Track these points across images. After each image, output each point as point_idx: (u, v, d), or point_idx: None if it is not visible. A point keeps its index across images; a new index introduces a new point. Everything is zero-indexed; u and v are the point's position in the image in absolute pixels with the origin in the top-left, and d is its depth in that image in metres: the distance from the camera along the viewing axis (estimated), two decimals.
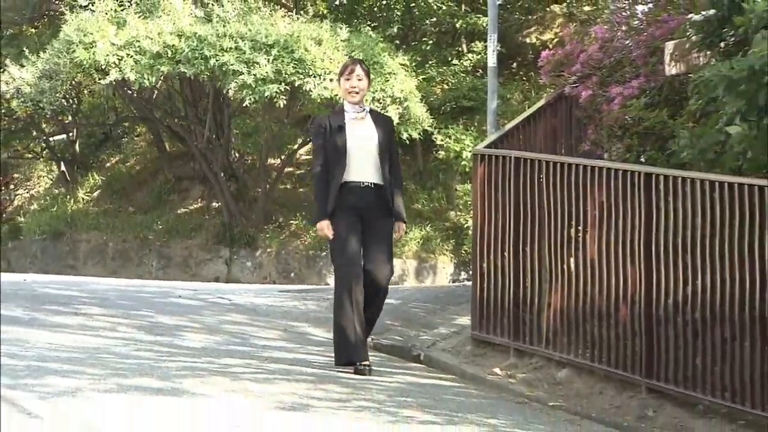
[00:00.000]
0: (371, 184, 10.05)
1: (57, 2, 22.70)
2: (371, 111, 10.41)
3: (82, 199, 24.97)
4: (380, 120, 10.43)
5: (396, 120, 19.94)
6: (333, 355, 10.95)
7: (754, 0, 9.53)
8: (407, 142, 20.75)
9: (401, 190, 10.59)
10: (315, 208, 10.56)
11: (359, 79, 10.18)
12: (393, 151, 10.42)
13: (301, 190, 23.28)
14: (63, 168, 25.63)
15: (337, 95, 19.51)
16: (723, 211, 9.22)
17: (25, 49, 22.03)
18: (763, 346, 8.87)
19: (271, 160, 22.93)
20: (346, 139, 10.02)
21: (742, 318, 9.03)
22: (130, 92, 21.05)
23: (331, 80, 19.58)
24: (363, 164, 10.06)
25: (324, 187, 10.11)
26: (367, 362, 10.32)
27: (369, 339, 12.95)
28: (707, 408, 9.40)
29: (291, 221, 22.26)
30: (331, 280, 20.79)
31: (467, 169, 19.15)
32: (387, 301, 15.89)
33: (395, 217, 10.25)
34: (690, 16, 11.18)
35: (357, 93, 10.16)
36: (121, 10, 20.48)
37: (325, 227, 10.15)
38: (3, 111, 22.17)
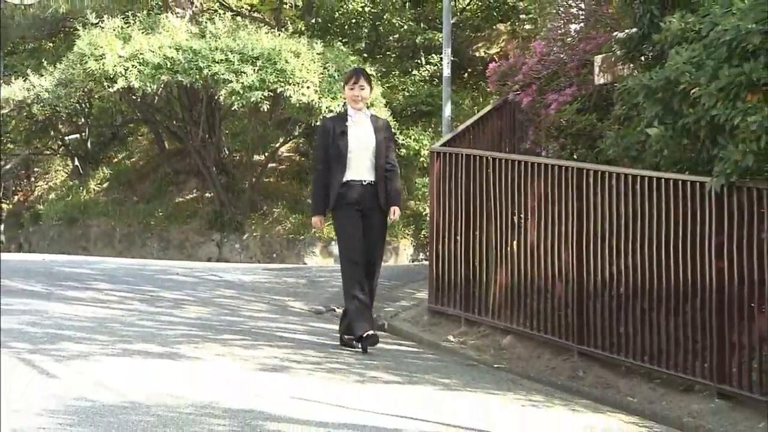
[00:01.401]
0: (370, 182, 9.88)
1: (71, 20, 22.55)
2: (372, 116, 10.24)
3: (93, 190, 24.85)
4: (379, 124, 10.20)
5: None
6: (314, 324, 10.94)
7: (669, 20, 9.57)
8: None
9: (398, 179, 10.29)
10: (312, 205, 10.43)
11: (361, 88, 10.01)
12: (391, 150, 10.20)
13: (283, 182, 23.23)
14: (76, 163, 25.51)
15: (312, 100, 19.51)
16: (643, 201, 9.25)
17: (43, 60, 21.93)
18: (676, 316, 8.92)
19: (256, 157, 22.86)
20: (348, 141, 9.85)
21: (659, 293, 9.08)
22: (134, 98, 20.95)
23: (308, 87, 19.55)
24: (362, 164, 9.88)
25: (321, 187, 9.97)
26: (365, 333, 9.89)
27: (339, 310, 12.97)
28: (629, 369, 9.44)
29: (274, 209, 22.21)
30: (308, 260, 20.84)
31: (425, 165, 19.14)
32: None
33: (392, 202, 10.04)
34: (615, 33, 11.21)
35: (360, 100, 10.01)
36: (127, 27, 20.39)
37: (319, 221, 10.11)
38: (25, 114, 22.03)
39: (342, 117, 10.14)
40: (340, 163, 9.82)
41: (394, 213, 10.13)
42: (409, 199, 21.08)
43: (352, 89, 10.01)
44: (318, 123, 20.20)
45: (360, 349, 9.90)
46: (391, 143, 10.27)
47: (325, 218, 10.29)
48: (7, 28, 24.28)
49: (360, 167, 9.87)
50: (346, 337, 10.18)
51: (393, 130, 20.07)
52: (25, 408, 6.81)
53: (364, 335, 9.79)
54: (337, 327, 10.70)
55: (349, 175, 9.82)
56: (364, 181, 9.87)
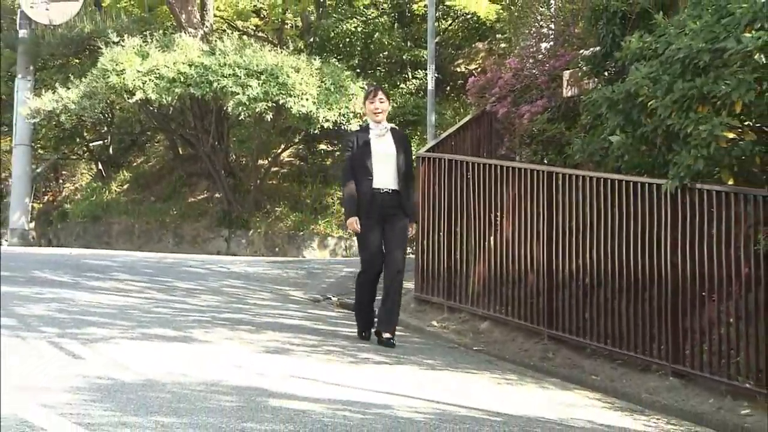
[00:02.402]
0: (391, 190, 9.58)
1: (95, 39, 22.50)
2: (391, 129, 9.90)
3: (115, 190, 24.81)
4: (398, 136, 9.88)
5: (355, 129, 19.93)
6: (312, 310, 10.91)
7: (629, 40, 9.58)
8: None
9: (414, 195, 10.14)
10: (345, 210, 10.15)
11: (381, 102, 9.74)
12: (409, 163, 9.83)
13: (284, 184, 23.20)
14: (100, 167, 25.47)
15: (311, 110, 19.49)
16: (606, 201, 9.27)
17: (70, 75, 21.89)
18: (635, 304, 8.94)
19: (260, 161, 22.82)
20: (371, 153, 9.59)
21: (620, 283, 9.10)
22: (151, 108, 20.91)
23: (307, 99, 19.54)
24: (384, 174, 9.58)
25: (351, 194, 9.60)
26: (370, 331, 9.81)
27: (335, 298, 12.98)
28: (593, 351, 9.46)
29: (276, 208, 22.18)
30: (307, 254, 20.82)
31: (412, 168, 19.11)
32: (350, 269, 15.95)
33: (411, 217, 9.77)
34: (581, 51, 11.23)
35: (380, 113, 9.72)
36: (145, 45, 20.35)
37: (354, 223, 9.64)
38: (54, 123, 22.00)
39: (365, 130, 9.87)
40: (365, 173, 9.55)
41: (412, 229, 9.87)
42: None
43: (372, 103, 9.76)
44: (316, 131, 20.23)
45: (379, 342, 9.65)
46: (409, 153, 9.99)
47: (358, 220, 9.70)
48: (38, 47, 24.24)
49: (383, 176, 9.58)
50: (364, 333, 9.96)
51: None
52: (53, 386, 6.81)
53: (363, 334, 9.78)
54: (332, 314, 10.70)
55: (374, 183, 9.54)
56: (388, 189, 9.58)
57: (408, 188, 9.73)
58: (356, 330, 9.98)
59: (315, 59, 20.67)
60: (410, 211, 9.75)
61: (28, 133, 23.99)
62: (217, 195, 23.03)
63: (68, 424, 5.78)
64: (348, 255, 20.66)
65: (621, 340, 9.08)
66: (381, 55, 23.74)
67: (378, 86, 10.21)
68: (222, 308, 11.52)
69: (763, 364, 7.71)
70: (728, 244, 8.04)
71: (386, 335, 9.55)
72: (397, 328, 9.88)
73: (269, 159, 22.79)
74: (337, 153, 22.93)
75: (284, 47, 22.10)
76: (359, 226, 9.52)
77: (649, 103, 8.71)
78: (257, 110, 19.47)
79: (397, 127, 10.19)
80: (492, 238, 10.92)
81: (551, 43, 12.64)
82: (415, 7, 23.32)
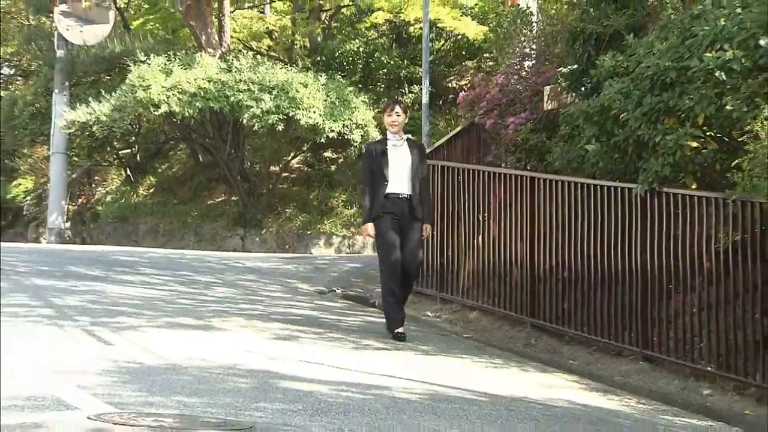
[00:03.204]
0: (406, 195, 9.32)
1: (124, 58, 22.50)
2: (408, 139, 9.59)
3: (141, 194, 24.80)
4: (414, 146, 9.61)
5: (358, 140, 19.94)
6: (318, 302, 10.87)
7: (603, 59, 9.59)
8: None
9: (429, 199, 9.86)
10: (363, 215, 9.85)
11: (398, 115, 9.45)
12: (423, 171, 9.55)
13: (294, 188, 23.17)
14: (128, 172, 25.45)
15: (317, 122, 19.49)
16: (583, 203, 9.28)
17: (102, 90, 21.89)
18: (609, 296, 8.95)
19: (272, 168, 22.80)
20: (388, 161, 9.30)
21: (595, 277, 9.11)
22: (174, 120, 20.88)
23: (314, 112, 19.55)
24: (400, 181, 9.28)
25: (368, 200, 9.39)
26: (402, 331, 9.34)
27: (339, 291, 12.98)
28: (571, 338, 9.47)
29: (286, 210, 22.15)
30: (314, 251, 20.80)
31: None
32: (353, 265, 15.96)
33: (424, 220, 9.43)
34: (560, 69, 11.22)
35: (396, 125, 9.42)
36: (169, 63, 20.34)
37: (368, 229, 9.43)
38: (87, 133, 21.98)
39: (383, 141, 9.63)
40: (382, 180, 9.31)
41: (426, 229, 9.54)
42: None
43: (390, 116, 9.50)
44: (322, 140, 20.21)
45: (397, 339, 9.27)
46: (425, 162, 9.71)
47: (372, 227, 9.49)
48: (73, 65, 24.22)
49: (398, 183, 9.31)
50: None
51: None
52: (87, 369, 6.82)
53: (396, 332, 9.31)
54: (336, 305, 10.68)
55: (390, 189, 9.28)
56: (402, 194, 9.30)
57: (422, 194, 9.47)
58: (387, 327, 9.49)
59: (321, 76, 20.66)
60: (424, 214, 9.46)
61: (64, 142, 23.98)
62: (233, 198, 23.02)
63: (100, 403, 5.79)
64: (351, 252, 20.66)
65: (596, 328, 9.09)
66: (380, 72, 23.72)
67: (396, 100, 9.93)
68: (237, 300, 11.53)
69: (723, 350, 7.72)
70: (692, 243, 8.06)
71: (398, 331, 9.30)
72: (383, 315, 9.81)
73: (280, 165, 22.78)
74: (341, 160, 22.91)
75: (294, 65, 22.13)
76: (374, 232, 9.33)
77: (621, 116, 8.71)
78: (269, 122, 19.47)
79: (413, 138, 9.96)
80: (480, 236, 10.92)
81: (533, 61, 12.63)
82: (411, 29, 23.28)
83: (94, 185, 27.01)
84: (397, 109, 9.51)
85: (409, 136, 9.74)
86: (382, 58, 23.48)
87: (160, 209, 23.56)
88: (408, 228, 9.30)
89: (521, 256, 10.11)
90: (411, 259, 9.31)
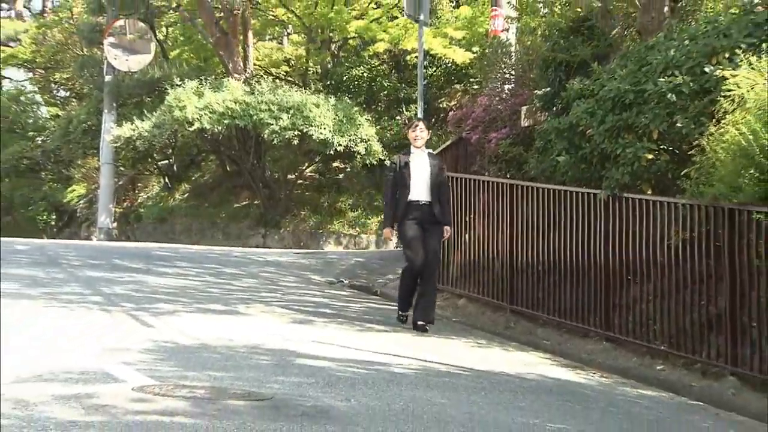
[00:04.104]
0: (427, 202, 8.97)
1: (163, 82, 22.52)
2: (429, 153, 9.31)
3: (177, 198, 24.82)
4: (434, 159, 9.30)
5: (362, 152, 19.95)
6: (329, 290, 10.85)
7: (572, 83, 9.59)
8: (370, 165, 20.73)
9: (449, 204, 9.44)
10: (384, 220, 9.57)
11: (421, 131, 9.16)
12: (443, 180, 9.21)
13: (307, 193, 23.18)
14: (166, 180, 25.49)
15: (327, 137, 19.50)
16: (554, 206, 9.28)
17: (144, 110, 21.94)
18: (577, 285, 8.94)
19: (289, 176, 22.82)
20: (411, 171, 9.01)
21: (565, 269, 9.10)
22: (205, 135, 20.90)
23: (325, 128, 19.55)
24: (420, 188, 8.99)
25: (390, 207, 9.14)
26: (408, 314, 9.08)
27: (347, 281, 12.98)
28: (545, 321, 9.46)
29: (301, 212, 22.15)
30: (325, 248, 20.80)
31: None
32: (358, 259, 15.96)
33: (444, 223, 9.08)
34: (535, 91, 11.22)
35: (419, 140, 9.14)
36: (201, 87, 20.39)
37: (388, 233, 9.26)
38: (131, 147, 22.02)
39: (406, 153, 9.32)
40: (405, 188, 9.05)
41: (446, 232, 9.16)
42: None
43: (414, 131, 9.27)
44: (331, 152, 20.19)
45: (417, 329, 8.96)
46: (443, 173, 9.34)
47: (392, 231, 9.32)
48: (119, 88, 24.27)
49: (419, 190, 9.02)
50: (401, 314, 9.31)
51: (382, 156, 20.21)
52: (131, 347, 6.83)
53: (402, 315, 9.08)
54: (344, 293, 10.68)
55: (411, 196, 9.01)
56: (423, 201, 9.02)
57: (441, 200, 9.11)
58: (397, 312, 9.30)
59: (331, 98, 20.69)
60: (443, 218, 9.10)
61: (111, 154, 24.02)
62: (255, 202, 23.04)
63: (142, 376, 5.79)
64: (357, 248, 20.66)
65: (566, 313, 9.08)
66: (381, 94, 23.71)
67: (420, 119, 9.68)
68: (259, 288, 11.54)
69: (674, 331, 7.73)
70: (647, 240, 8.06)
71: (420, 322, 8.99)
72: (393, 306, 9.83)
73: (295, 174, 22.81)
74: (347, 169, 22.89)
75: (307, 88, 22.13)
76: (394, 236, 9.07)
77: (587, 132, 8.73)
78: (286, 137, 19.51)
79: (433, 152, 9.66)
80: (467, 234, 10.92)
81: (512, 85, 12.62)
82: (408, 57, 23.26)
83: (137, 191, 27.05)
84: (421, 125, 9.32)
85: (430, 150, 9.49)
86: (383, 82, 23.49)
87: (193, 211, 23.59)
88: (429, 230, 9.01)
89: (502, 251, 10.11)
90: (431, 258, 9.02)
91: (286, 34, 27.16)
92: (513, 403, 6.21)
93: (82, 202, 27.29)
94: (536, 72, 11.72)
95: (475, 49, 20.17)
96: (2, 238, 18.26)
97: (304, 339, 7.82)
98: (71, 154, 26.75)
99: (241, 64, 23.33)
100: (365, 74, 23.71)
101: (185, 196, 24.99)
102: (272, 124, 19.47)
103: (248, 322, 8.61)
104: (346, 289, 12.51)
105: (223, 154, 23.67)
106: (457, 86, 23.72)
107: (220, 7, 23.01)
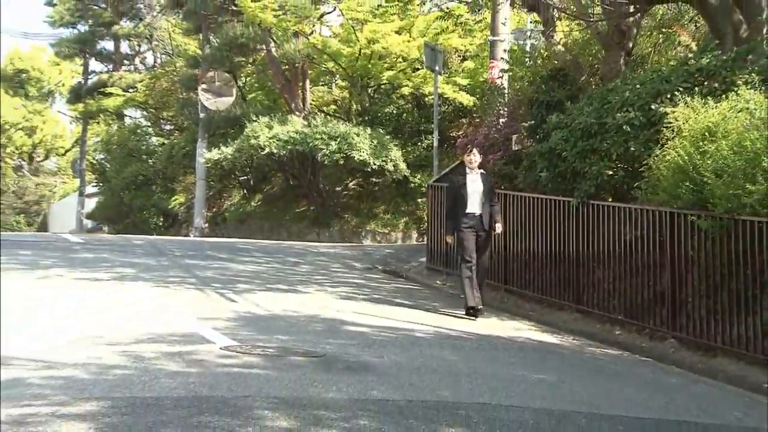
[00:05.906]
0: (479, 213, 8.52)
1: (242, 118, 22.62)
2: (481, 173, 8.78)
3: (253, 205, 24.93)
4: (485, 178, 8.74)
5: (392, 170, 19.91)
6: (366, 275, 10.80)
7: (550, 117, 9.53)
8: (397, 180, 20.71)
9: (499, 212, 8.79)
10: (446, 228, 9.03)
11: (474, 155, 8.74)
12: (491, 195, 8.67)
13: (351, 201, 23.15)
14: (245, 191, 25.62)
15: (365, 159, 19.48)
16: (540, 211, 9.24)
17: (228, 139, 22.05)
18: (555, 269, 8.90)
19: (337, 188, 22.87)
20: (467, 188, 8.58)
21: (547, 257, 9.07)
22: (274, 158, 20.98)
23: (364, 152, 19.53)
24: (474, 202, 8.53)
25: (451, 218, 8.73)
26: (474, 306, 8.42)
27: (380, 267, 12.94)
28: (531, 297, 9.40)
29: (346, 216, 22.15)
30: (365, 242, 20.78)
31: (423, 192, 19.03)
32: (389, 251, 15.89)
33: (492, 222, 8.54)
34: (523, 123, 11.19)
35: (473, 163, 8.67)
36: (271, 121, 20.47)
37: (449, 239, 8.90)
38: (219, 166, 22.12)
39: (463, 174, 8.81)
40: (462, 202, 8.57)
41: (498, 227, 8.61)
42: (416, 210, 20.97)
43: (468, 156, 8.83)
44: (368, 170, 20.13)
45: (471, 317, 8.35)
46: (493, 189, 8.88)
47: (453, 237, 8.85)
48: (210, 122, 24.44)
49: (473, 204, 8.62)
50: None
51: (406, 173, 20.15)
52: (219, 316, 6.91)
53: (470, 306, 8.41)
54: (378, 276, 10.61)
55: (467, 209, 8.61)
56: (476, 213, 8.62)
57: (491, 211, 8.61)
58: (465, 308, 8.50)
59: (368, 128, 20.67)
60: (493, 222, 8.57)
61: (204, 172, 24.19)
62: (311, 207, 23.08)
63: (226, 339, 5.86)
64: (388, 243, 20.64)
65: (547, 290, 9.04)
66: (406, 126, 23.60)
67: (474, 146, 9.30)
68: (314, 273, 11.57)
69: (629, 305, 7.69)
70: (609, 236, 8.02)
71: (471, 305, 8.51)
72: (415, 286, 9.81)
73: (342, 186, 22.82)
74: (381, 183, 22.82)
75: (350, 122, 22.14)
76: (454, 240, 8.77)
77: (563, 154, 8.70)
78: (335, 158, 19.50)
79: (485, 172, 9.15)
80: None
81: (505, 118, 12.60)
82: (426, 98, 23.18)
83: (223, 200, 27.19)
84: (474, 151, 8.99)
85: (482, 171, 8.99)
86: (408, 117, 23.40)
87: (265, 215, 23.66)
88: (481, 237, 8.63)
89: (498, 244, 10.09)
90: (482, 258, 8.67)
91: (334, 81, 27.20)
92: (506, 359, 6.22)
93: (182, 208, 27.52)
94: (524, 109, 11.70)
95: (477, 92, 20.11)
96: (124, 235, 18.43)
97: (348, 311, 7.85)
98: (174, 172, 27.03)
99: (301, 104, 23.39)
100: (394, 111, 23.65)
101: (259, 203, 25.07)
102: (324, 149, 19.49)
103: (306, 298, 8.66)
104: (379, 273, 12.53)
105: (287, 172, 23.69)
106: (464, 120, 23.64)
107: (285, 61, 23.10)
